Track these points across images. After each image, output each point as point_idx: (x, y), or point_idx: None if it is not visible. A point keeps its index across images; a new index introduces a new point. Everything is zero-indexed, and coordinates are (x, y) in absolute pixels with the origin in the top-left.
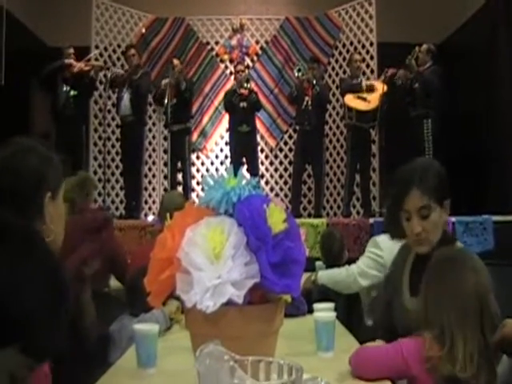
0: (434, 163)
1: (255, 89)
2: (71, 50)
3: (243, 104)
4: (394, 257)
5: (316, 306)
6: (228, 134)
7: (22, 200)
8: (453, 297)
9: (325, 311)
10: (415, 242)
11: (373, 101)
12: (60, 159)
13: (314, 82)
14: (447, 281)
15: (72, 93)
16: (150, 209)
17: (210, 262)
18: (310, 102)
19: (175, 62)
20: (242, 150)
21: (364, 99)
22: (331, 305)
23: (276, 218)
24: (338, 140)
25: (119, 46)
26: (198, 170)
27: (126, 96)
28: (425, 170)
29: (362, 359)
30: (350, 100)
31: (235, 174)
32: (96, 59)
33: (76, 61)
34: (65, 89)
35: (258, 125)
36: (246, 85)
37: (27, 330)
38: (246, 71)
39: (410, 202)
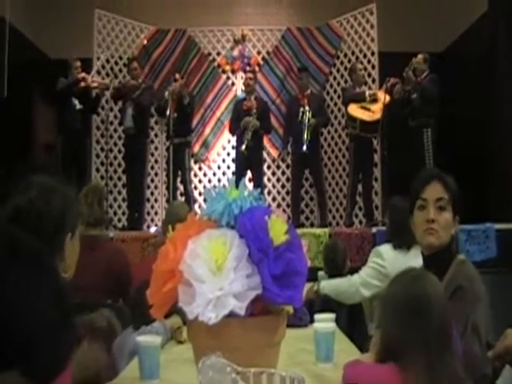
0: None
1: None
2: (78, 63)
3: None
4: None
5: (317, 316)
6: (231, 145)
7: (45, 241)
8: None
9: (325, 322)
10: (426, 232)
11: (376, 111)
12: (73, 189)
13: (309, 91)
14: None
15: (78, 106)
16: (152, 220)
17: (212, 273)
18: (306, 113)
19: (177, 76)
20: (248, 162)
21: (368, 109)
22: (332, 315)
23: (277, 229)
24: (339, 149)
25: (121, 57)
26: (200, 181)
27: (129, 110)
28: (446, 175)
29: (355, 374)
30: (354, 110)
31: (237, 186)
32: (101, 63)
33: (86, 73)
34: (72, 102)
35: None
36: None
37: (29, 353)
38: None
39: (429, 191)
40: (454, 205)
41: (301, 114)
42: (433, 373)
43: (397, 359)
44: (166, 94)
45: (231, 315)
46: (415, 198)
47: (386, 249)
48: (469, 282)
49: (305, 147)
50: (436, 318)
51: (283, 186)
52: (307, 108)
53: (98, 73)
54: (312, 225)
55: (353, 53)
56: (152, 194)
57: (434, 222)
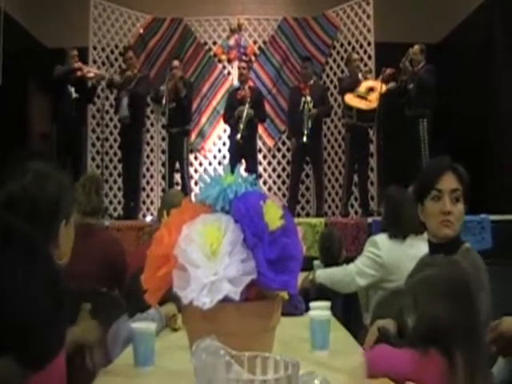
0: None
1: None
2: (75, 52)
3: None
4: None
5: (312, 304)
6: (227, 134)
7: (39, 228)
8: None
9: (321, 310)
10: (442, 224)
11: (373, 100)
12: (68, 176)
13: (312, 82)
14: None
15: (74, 95)
16: (148, 209)
17: (206, 258)
18: (307, 103)
19: (175, 63)
20: (242, 151)
21: (365, 98)
22: (328, 304)
23: (272, 214)
24: (335, 139)
25: (117, 46)
26: (196, 171)
27: (125, 100)
28: (458, 165)
29: (376, 355)
30: (351, 99)
31: (232, 171)
32: (94, 61)
33: (82, 63)
34: (68, 91)
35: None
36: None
37: (24, 339)
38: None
39: (444, 181)
40: (466, 194)
41: (302, 103)
42: (473, 361)
43: (434, 345)
44: (163, 87)
45: (226, 300)
46: (429, 188)
47: (381, 238)
48: (474, 269)
49: (305, 138)
50: (477, 304)
51: (279, 176)
52: (309, 98)
53: (94, 62)
54: (308, 215)
55: (349, 43)
56: (148, 183)
57: (451, 214)
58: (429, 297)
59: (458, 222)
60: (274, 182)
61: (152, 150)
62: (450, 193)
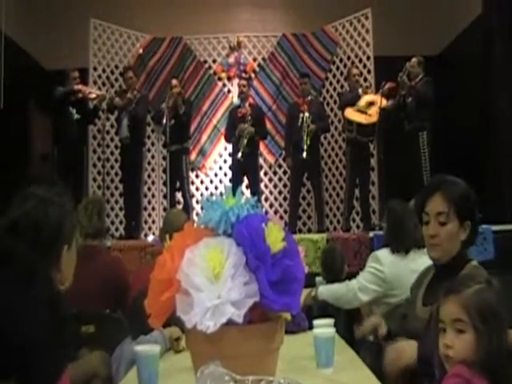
0: (464, 183)
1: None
2: (76, 74)
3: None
4: (417, 276)
5: (316, 322)
6: (227, 152)
7: (42, 252)
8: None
9: (324, 327)
10: (430, 247)
11: (373, 114)
12: (70, 201)
13: (310, 97)
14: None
15: (76, 116)
16: (149, 229)
17: (209, 282)
18: (305, 119)
19: (174, 82)
20: (244, 168)
21: (365, 113)
22: (331, 321)
23: (274, 236)
24: (336, 154)
25: (117, 66)
26: (197, 189)
27: (125, 121)
28: (453, 183)
29: None
30: (351, 113)
31: (234, 193)
32: (95, 82)
33: (83, 84)
34: (70, 112)
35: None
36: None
37: (26, 361)
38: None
39: (431, 204)
40: (460, 213)
41: (301, 119)
42: None
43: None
44: (163, 105)
45: (229, 323)
46: (420, 211)
47: (383, 253)
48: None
49: (304, 154)
50: None
51: (280, 193)
52: (307, 114)
53: (95, 82)
54: (309, 230)
55: (348, 58)
56: (149, 202)
57: (436, 236)
58: (490, 322)
59: (447, 242)
60: (276, 199)
61: (153, 170)
62: (436, 216)
